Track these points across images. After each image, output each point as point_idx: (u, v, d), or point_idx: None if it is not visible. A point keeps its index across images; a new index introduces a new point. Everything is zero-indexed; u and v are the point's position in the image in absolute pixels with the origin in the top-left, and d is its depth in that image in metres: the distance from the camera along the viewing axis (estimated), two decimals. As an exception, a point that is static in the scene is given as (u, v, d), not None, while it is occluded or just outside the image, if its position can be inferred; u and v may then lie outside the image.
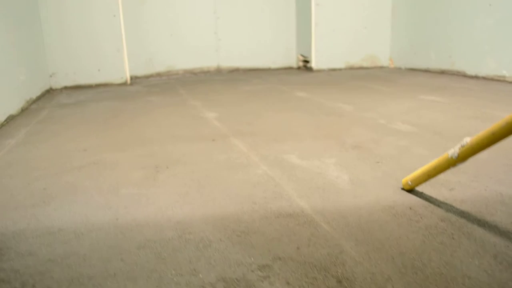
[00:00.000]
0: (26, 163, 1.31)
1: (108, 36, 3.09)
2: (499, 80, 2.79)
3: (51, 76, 3.06)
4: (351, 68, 3.81)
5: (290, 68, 4.01)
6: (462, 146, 0.81)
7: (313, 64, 3.70)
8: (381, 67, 3.88)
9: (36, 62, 2.75)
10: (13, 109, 2.11)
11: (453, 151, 0.83)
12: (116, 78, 3.19)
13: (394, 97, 2.26)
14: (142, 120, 1.89)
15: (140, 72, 3.57)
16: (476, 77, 2.97)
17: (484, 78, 2.90)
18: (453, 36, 3.18)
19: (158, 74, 3.64)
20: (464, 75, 3.07)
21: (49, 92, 2.94)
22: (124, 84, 3.19)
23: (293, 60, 4.01)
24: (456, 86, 2.60)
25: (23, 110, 2.25)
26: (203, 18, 3.65)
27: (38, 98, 2.64)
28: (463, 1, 3.05)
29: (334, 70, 3.74)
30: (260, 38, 3.85)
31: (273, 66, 3.96)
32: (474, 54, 3.00)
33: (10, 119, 2.03)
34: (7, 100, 2.05)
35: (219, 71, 3.80)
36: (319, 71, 3.70)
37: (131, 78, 3.38)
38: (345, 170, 1.14)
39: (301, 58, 3.89)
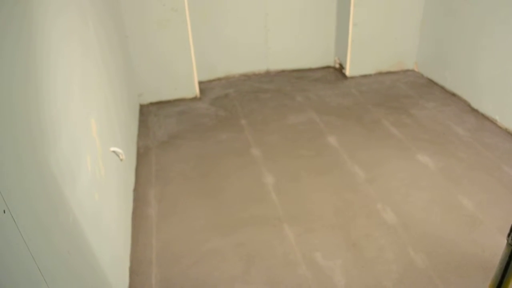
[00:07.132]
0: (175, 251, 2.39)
1: (182, 63, 3.92)
2: (492, 121, 3.49)
3: (139, 95, 4.00)
4: (380, 73, 4.48)
5: (328, 67, 4.70)
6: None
7: (347, 72, 4.40)
8: (407, 71, 4.52)
9: (131, 90, 3.67)
10: (134, 160, 3.14)
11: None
12: (188, 94, 4.09)
13: (398, 155, 3.10)
14: (221, 184, 2.88)
15: (205, 78, 4.42)
16: (476, 112, 3.65)
17: (482, 115, 3.59)
18: (465, 65, 3.75)
19: (219, 79, 4.47)
20: (469, 106, 3.75)
21: (141, 113, 3.90)
22: (195, 98, 4.10)
23: (331, 60, 4.68)
24: (452, 133, 3.35)
25: (137, 155, 3.27)
26: (255, 31, 4.32)
27: (138, 129, 3.63)
28: (483, 35, 3.57)
29: (365, 76, 4.44)
30: (303, 44, 4.51)
31: (313, 66, 4.67)
32: (477, 90, 3.63)
33: (136, 171, 3.07)
34: (132, 156, 3.06)
35: (267, 74, 4.57)
36: (352, 77, 4.41)
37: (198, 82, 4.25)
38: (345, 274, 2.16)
39: (338, 61, 4.56)
